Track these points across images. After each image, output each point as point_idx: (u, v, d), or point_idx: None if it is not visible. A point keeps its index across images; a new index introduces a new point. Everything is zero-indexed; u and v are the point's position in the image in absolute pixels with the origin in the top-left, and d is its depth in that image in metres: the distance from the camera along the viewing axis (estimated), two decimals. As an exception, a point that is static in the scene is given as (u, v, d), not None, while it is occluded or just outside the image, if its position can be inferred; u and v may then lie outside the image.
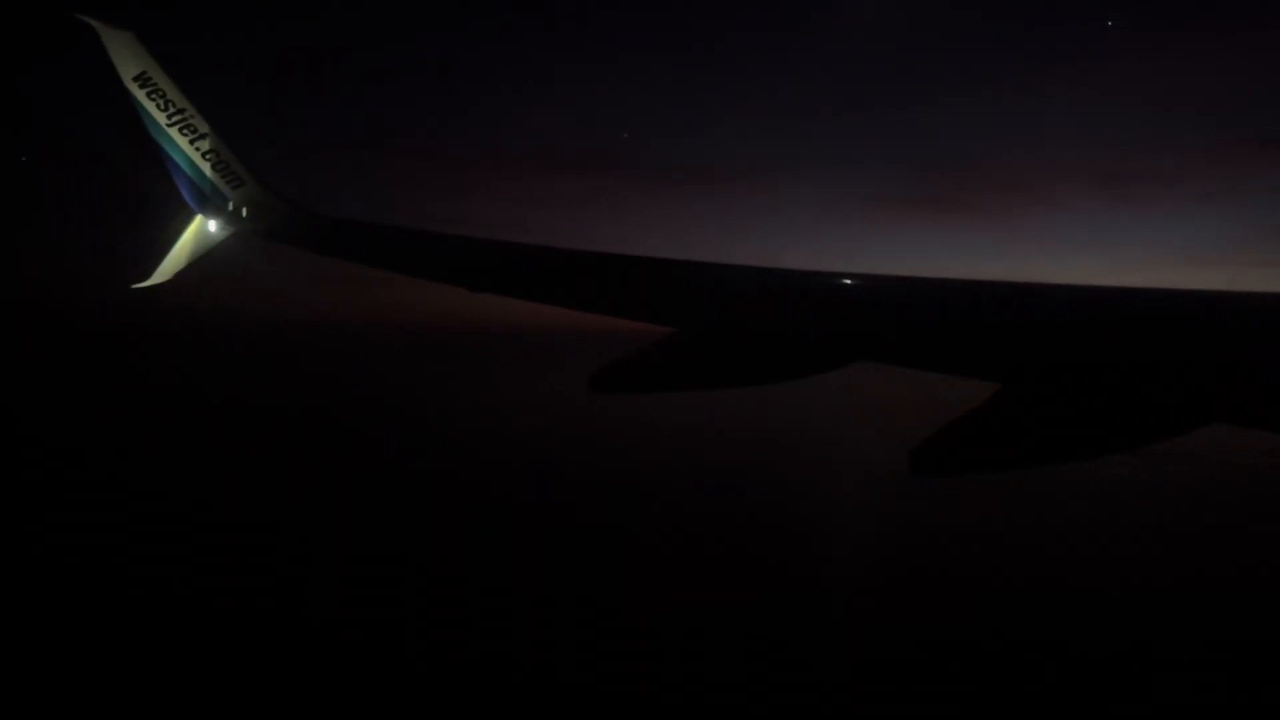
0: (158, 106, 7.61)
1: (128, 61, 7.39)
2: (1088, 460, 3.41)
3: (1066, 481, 45.40)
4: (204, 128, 7.84)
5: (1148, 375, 3.46)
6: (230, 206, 8.19)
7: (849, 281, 4.93)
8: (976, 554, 36.38)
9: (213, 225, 8.24)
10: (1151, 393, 3.36)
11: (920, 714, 23.01)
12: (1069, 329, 4.01)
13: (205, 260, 8.30)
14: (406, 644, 25.26)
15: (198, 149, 7.87)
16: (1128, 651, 26.62)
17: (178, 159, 7.88)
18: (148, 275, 8.16)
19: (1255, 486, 48.53)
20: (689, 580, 32.07)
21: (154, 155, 7.84)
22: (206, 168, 7.95)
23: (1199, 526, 41.73)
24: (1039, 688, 24.05)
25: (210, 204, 8.17)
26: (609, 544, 36.53)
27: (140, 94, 7.53)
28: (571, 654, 25.04)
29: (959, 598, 30.89)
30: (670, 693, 22.93)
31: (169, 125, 7.69)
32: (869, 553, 37.70)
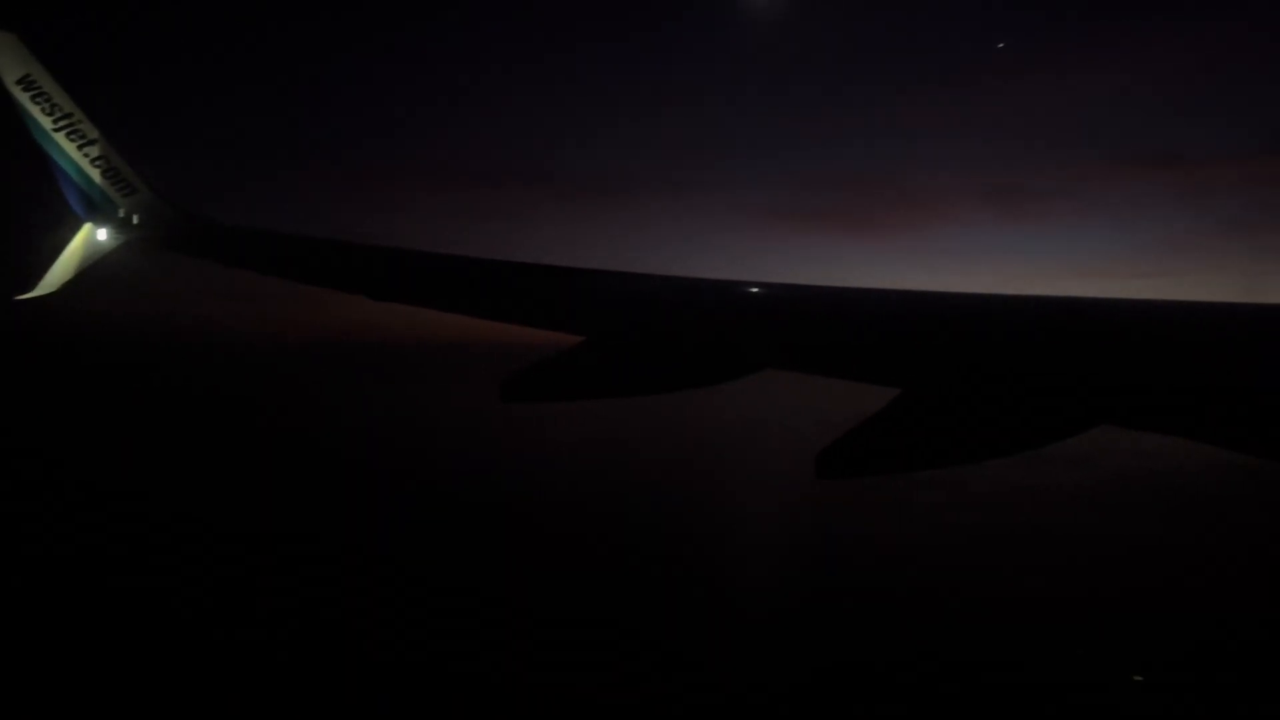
0: (43, 111, 7.25)
1: (10, 64, 7.03)
2: (982, 462, 3.54)
3: (962, 482, 46.98)
4: (93, 133, 7.51)
5: (1038, 380, 3.62)
6: (121, 214, 7.85)
7: (757, 291, 5.01)
8: (870, 559, 37.29)
9: (102, 234, 7.88)
10: (1042, 397, 3.51)
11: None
12: (963, 336, 4.16)
13: (95, 269, 7.94)
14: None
15: (86, 155, 7.53)
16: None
17: (65, 165, 7.52)
18: (32, 286, 7.77)
19: (1140, 484, 50.94)
20: (593, 584, 32.14)
21: (39, 161, 7.48)
22: (95, 174, 7.61)
23: (1084, 527, 43.62)
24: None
25: (100, 212, 7.82)
26: (514, 550, 36.26)
27: (24, 98, 7.17)
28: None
29: (852, 604, 31.61)
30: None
31: (55, 130, 7.34)
32: (771, 557, 38.29)
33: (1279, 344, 3.47)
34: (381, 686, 23.58)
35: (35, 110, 7.25)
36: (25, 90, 7.14)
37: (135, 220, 7.88)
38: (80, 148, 7.49)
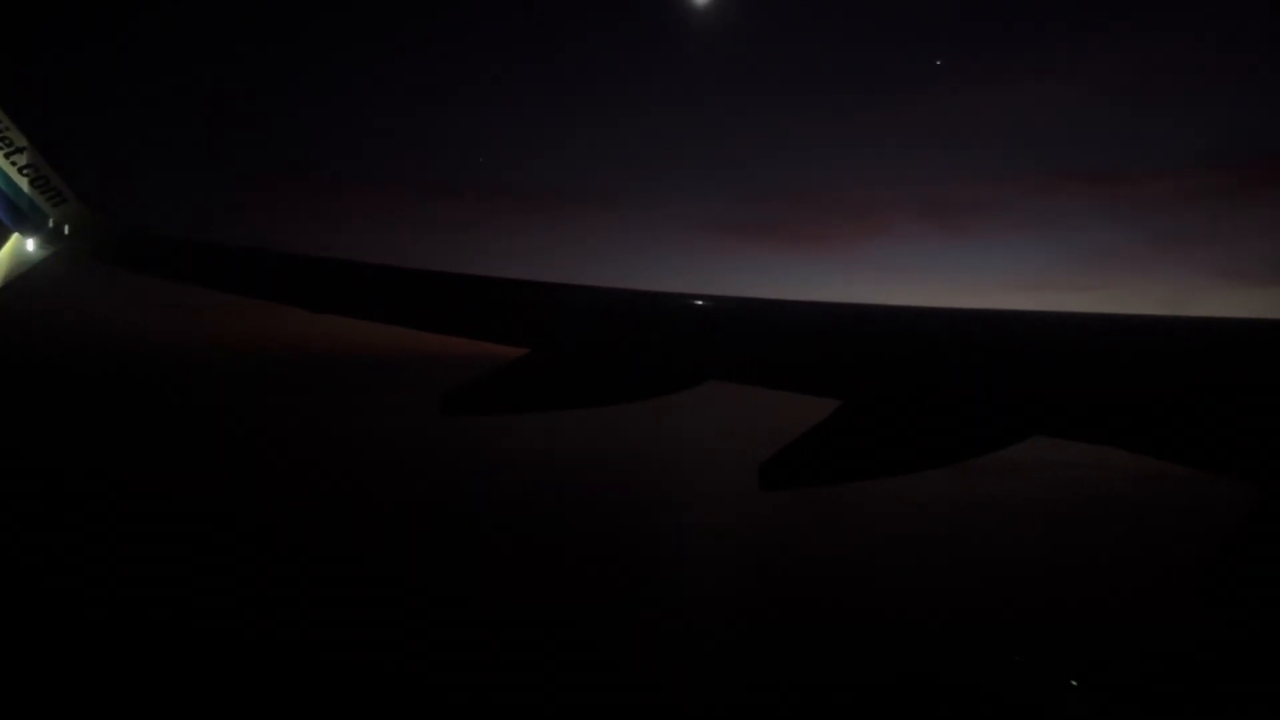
0: None
1: None
2: (920, 472, 3.62)
3: (898, 492, 47.67)
4: (21, 141, 7.28)
5: (973, 392, 3.71)
6: (50, 224, 7.62)
7: (700, 303, 5.05)
8: (811, 569, 37.66)
9: (30, 244, 7.65)
10: (977, 408, 3.60)
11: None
12: (901, 349, 4.24)
13: (23, 281, 7.69)
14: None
15: (13, 163, 7.29)
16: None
17: None
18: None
19: (1072, 493, 52.24)
20: (537, 594, 32.00)
21: None
22: (24, 183, 7.38)
23: (1015, 534, 44.64)
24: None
25: (28, 221, 7.57)
26: (458, 562, 35.94)
27: None
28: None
29: (792, 615, 31.89)
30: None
31: None
32: (712, 568, 38.46)
33: (1202, 357, 3.60)
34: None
35: None
36: None
37: (65, 230, 7.66)
38: (7, 156, 7.26)
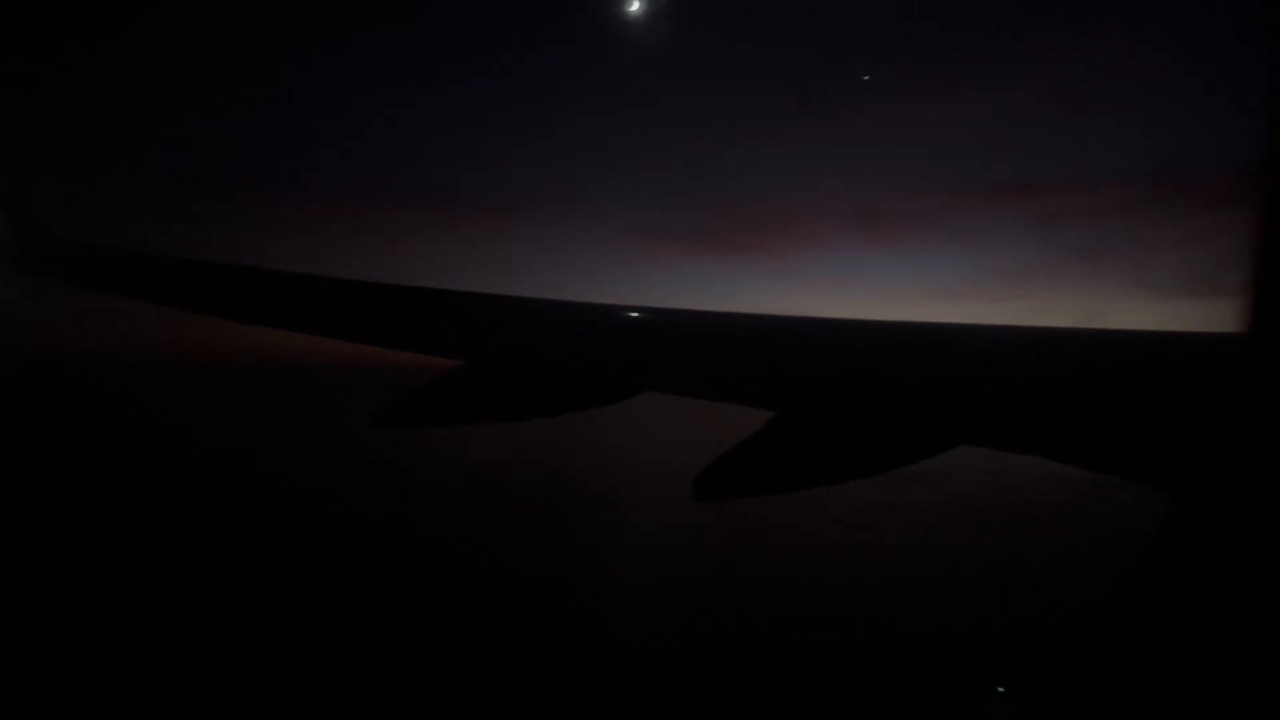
0: None
1: None
2: (852, 481, 3.70)
3: (831, 500, 48.48)
4: None
5: (902, 402, 3.79)
6: None
7: (636, 315, 5.08)
8: (744, 578, 37.98)
9: None
10: (906, 418, 3.69)
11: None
12: (832, 360, 4.32)
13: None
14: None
15: None
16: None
17: None
18: None
19: (996, 500, 53.64)
20: (464, 605, 31.72)
21: None
22: None
23: (940, 540, 45.63)
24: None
25: None
26: (390, 576, 35.40)
27: None
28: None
29: (725, 626, 32.12)
30: None
31: None
32: (646, 578, 38.55)
33: (1117, 369, 3.73)
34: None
35: None
36: None
37: None
38: None
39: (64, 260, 7.44)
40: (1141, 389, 3.46)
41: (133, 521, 43.27)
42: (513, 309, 5.42)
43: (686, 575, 38.93)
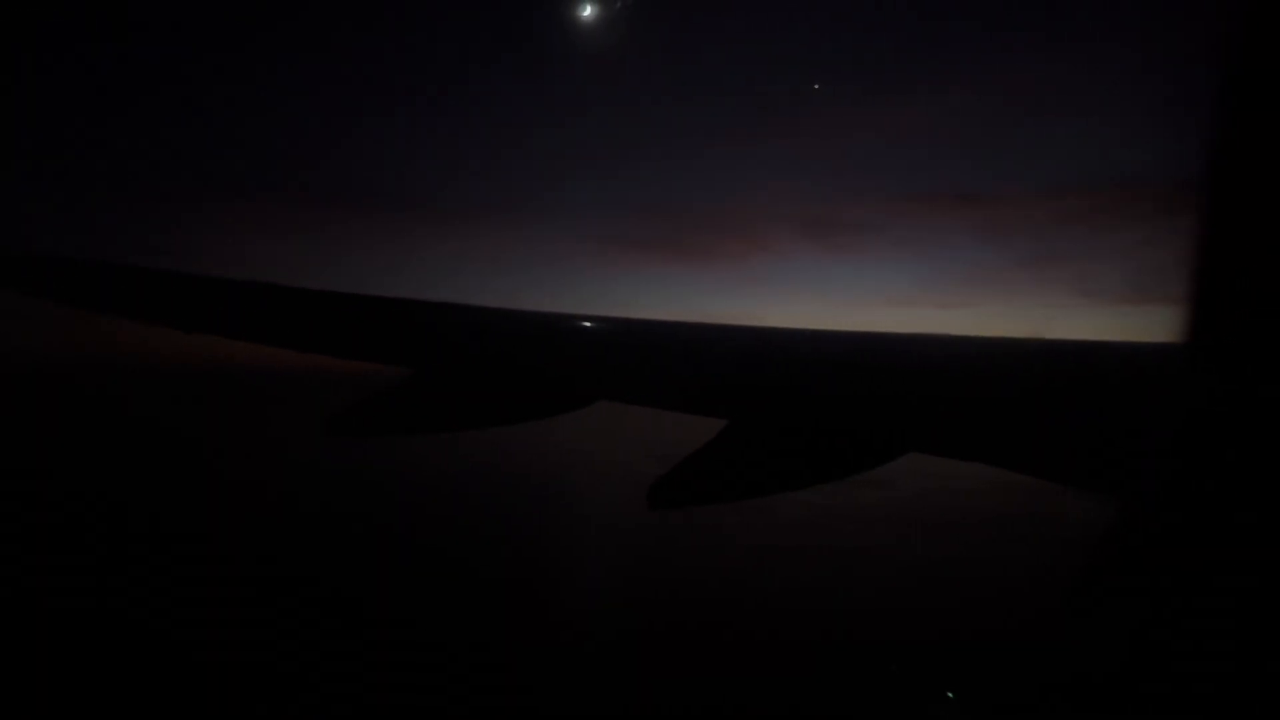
0: None
1: None
2: (804, 489, 3.72)
3: (783, 508, 48.80)
4: None
5: (852, 411, 3.83)
6: None
7: (590, 324, 5.05)
8: (700, 587, 38.18)
9: None
10: (856, 427, 3.72)
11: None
12: (783, 369, 4.34)
13: None
14: None
15: None
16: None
17: None
18: None
19: (941, 506, 54.39)
20: (416, 614, 31.44)
21: None
22: None
23: (895, 550, 46.18)
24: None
25: None
26: (347, 588, 34.91)
27: None
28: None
29: (681, 634, 32.20)
30: None
31: None
32: (601, 587, 38.53)
33: (1061, 378, 3.80)
34: None
35: None
36: None
37: None
38: None
39: (5, 268, 7.17)
40: (1083, 398, 3.54)
41: (77, 524, 42.21)
42: (464, 317, 5.35)
43: (638, 583, 38.90)
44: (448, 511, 51.58)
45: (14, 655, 26.26)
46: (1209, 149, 1.37)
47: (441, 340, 5.07)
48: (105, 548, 39.33)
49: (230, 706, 24.23)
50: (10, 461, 62.00)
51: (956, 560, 42.93)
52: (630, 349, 4.76)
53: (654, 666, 28.55)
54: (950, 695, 26.76)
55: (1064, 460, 3.20)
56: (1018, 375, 3.84)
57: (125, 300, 6.29)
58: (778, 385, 4.11)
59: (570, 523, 51.62)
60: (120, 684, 25.20)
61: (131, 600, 32.03)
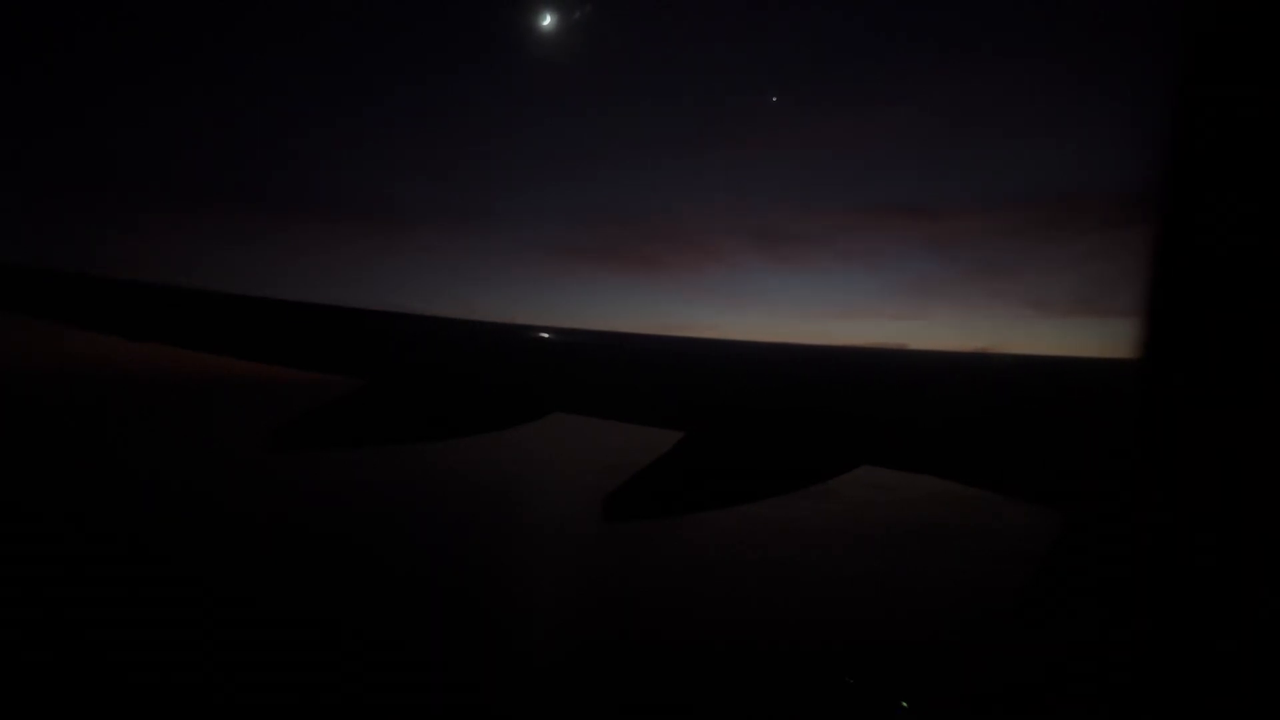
0: None
1: None
2: (759, 501, 3.71)
3: (737, 521, 49.12)
4: None
5: (808, 424, 3.84)
6: None
7: (544, 335, 5.01)
8: (652, 599, 38.21)
9: None
10: (811, 440, 3.73)
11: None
12: (738, 382, 4.34)
13: None
14: None
15: None
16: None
17: None
18: None
19: (896, 519, 55.04)
20: (376, 621, 31.04)
21: None
22: None
23: (845, 561, 46.63)
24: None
25: None
26: (299, 599, 34.37)
27: None
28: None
29: (634, 647, 32.21)
30: None
31: None
32: (554, 600, 38.42)
33: (1008, 393, 3.85)
34: None
35: None
36: None
37: None
38: None
39: None
40: (1032, 413, 3.58)
41: (17, 538, 41.02)
42: (416, 327, 5.26)
43: (592, 593, 38.81)
44: (397, 523, 51.04)
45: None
46: (1159, 161, 1.39)
47: (393, 350, 4.98)
48: (48, 561, 38.31)
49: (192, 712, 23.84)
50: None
51: (907, 571, 43.41)
52: (585, 360, 4.72)
53: (604, 676, 28.48)
54: (905, 705, 27.00)
55: (1014, 474, 3.24)
56: (968, 390, 3.88)
57: (76, 308, 6.10)
58: (735, 398, 4.10)
59: (523, 534, 51.30)
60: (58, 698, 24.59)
61: (76, 613, 31.30)
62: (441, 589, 37.62)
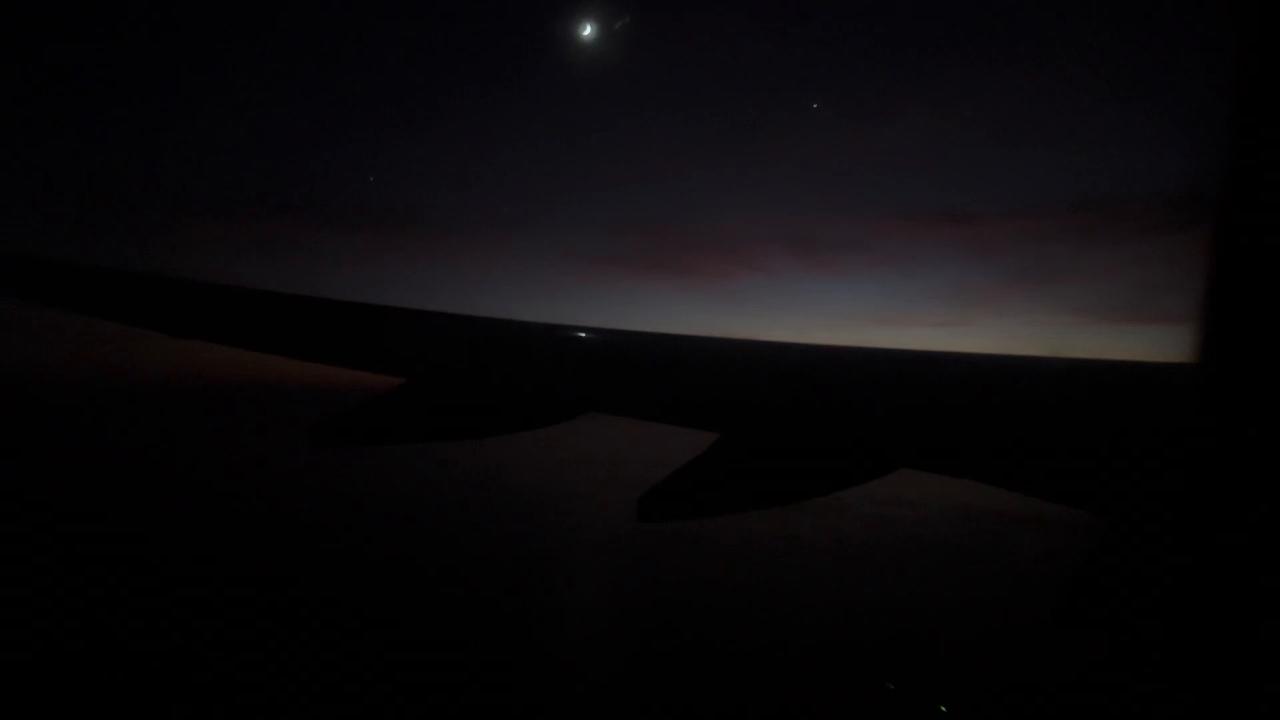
0: None
1: None
2: (794, 503, 3.68)
3: (772, 522, 48.91)
4: None
5: (846, 425, 3.80)
6: None
7: (580, 334, 5.01)
8: (688, 599, 38.17)
9: None
10: (849, 441, 3.69)
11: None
12: (778, 384, 4.31)
13: None
14: None
15: None
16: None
17: None
18: None
19: (937, 522, 54.50)
20: (416, 623, 31.29)
21: None
22: None
23: (884, 566, 46.24)
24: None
25: None
26: (340, 596, 34.78)
27: None
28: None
29: (668, 644, 32.18)
30: None
31: None
32: (591, 598, 38.48)
33: (1053, 397, 3.78)
34: None
35: None
36: None
37: None
38: None
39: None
40: (1076, 417, 3.51)
41: (63, 540, 41.88)
42: (456, 326, 5.30)
43: (627, 592, 38.87)
44: (433, 520, 51.42)
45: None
46: (1215, 164, 1.35)
47: (432, 349, 5.01)
48: (97, 560, 39.16)
49: (221, 709, 24.20)
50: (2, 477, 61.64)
51: (948, 574, 42.98)
52: (620, 360, 4.71)
53: (639, 674, 28.50)
54: (944, 709, 26.76)
55: (1056, 478, 3.17)
56: (1010, 392, 3.82)
57: (117, 303, 6.19)
58: (772, 399, 4.06)
59: (558, 533, 51.45)
60: (110, 692, 25.15)
61: (127, 609, 31.96)
62: (475, 585, 37.92)
